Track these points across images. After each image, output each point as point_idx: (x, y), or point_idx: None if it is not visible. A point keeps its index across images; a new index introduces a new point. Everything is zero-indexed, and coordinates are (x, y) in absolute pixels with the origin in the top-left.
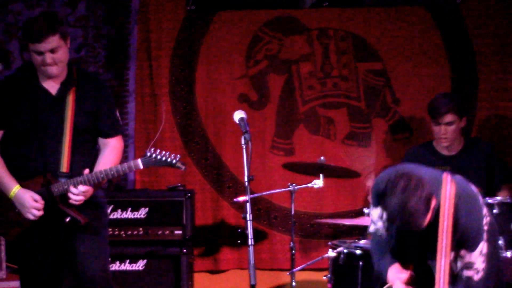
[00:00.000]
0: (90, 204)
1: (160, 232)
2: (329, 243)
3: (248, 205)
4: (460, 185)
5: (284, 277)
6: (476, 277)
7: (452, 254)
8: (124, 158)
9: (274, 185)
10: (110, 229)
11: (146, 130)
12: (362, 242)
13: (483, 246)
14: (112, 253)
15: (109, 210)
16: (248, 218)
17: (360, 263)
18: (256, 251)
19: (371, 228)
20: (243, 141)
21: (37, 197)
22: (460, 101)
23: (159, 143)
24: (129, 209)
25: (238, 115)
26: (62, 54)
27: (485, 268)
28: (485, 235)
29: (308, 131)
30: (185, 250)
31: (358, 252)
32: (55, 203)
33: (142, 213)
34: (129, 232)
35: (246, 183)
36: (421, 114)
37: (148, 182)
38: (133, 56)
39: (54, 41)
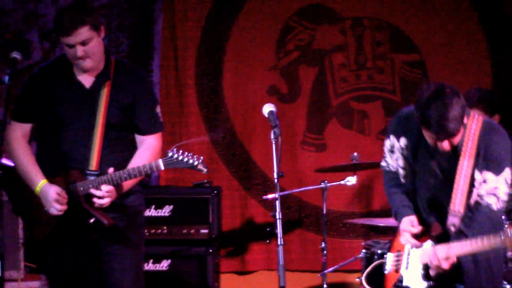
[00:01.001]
0: (124, 212)
1: (185, 231)
2: (362, 243)
3: (277, 203)
4: (486, 118)
5: (315, 279)
6: (496, 206)
7: (475, 177)
8: None
9: (305, 182)
10: None
11: (171, 123)
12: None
13: (508, 174)
14: None
15: None
16: (277, 217)
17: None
18: (286, 252)
19: (382, 162)
20: (272, 136)
21: (62, 192)
22: (492, 97)
23: (185, 138)
24: (153, 206)
25: (268, 108)
26: (95, 46)
27: (504, 200)
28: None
29: (341, 125)
30: (211, 250)
31: None
32: (80, 202)
33: (166, 211)
34: (153, 231)
35: (276, 180)
36: None
37: (173, 179)
38: (158, 46)
39: (84, 33)
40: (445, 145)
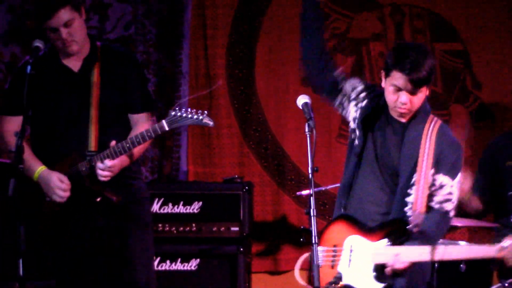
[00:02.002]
0: (130, 199)
1: (215, 229)
2: None
3: (312, 199)
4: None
5: None
6: (452, 213)
7: (433, 181)
8: (177, 146)
9: (341, 178)
10: (160, 225)
11: (205, 126)
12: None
13: (459, 178)
14: (163, 251)
15: (159, 204)
16: (312, 214)
17: (436, 265)
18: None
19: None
20: (307, 129)
21: (63, 177)
22: None
23: (214, 131)
24: (181, 202)
25: (302, 100)
26: (78, 28)
27: (456, 207)
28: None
29: None
30: (242, 249)
31: None
32: (84, 182)
33: (195, 207)
34: (181, 229)
35: (310, 175)
36: (505, 100)
37: (202, 174)
38: (187, 35)
39: (65, 13)
40: (405, 98)
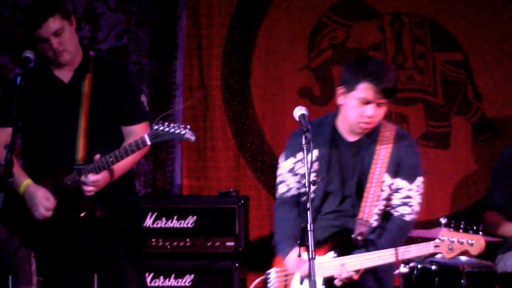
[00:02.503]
0: (120, 213)
1: (209, 244)
2: None
3: (309, 213)
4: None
5: None
6: (409, 217)
7: (387, 186)
8: (171, 159)
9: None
10: (153, 240)
11: (195, 127)
12: (439, 256)
13: (420, 182)
14: (156, 267)
15: (152, 219)
16: (309, 228)
17: (436, 279)
18: None
19: (279, 190)
20: (304, 141)
21: (50, 195)
22: None
23: (209, 143)
24: (175, 217)
25: (299, 111)
26: (69, 36)
27: (417, 211)
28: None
29: None
30: (237, 264)
31: (433, 267)
32: (69, 197)
33: (189, 222)
34: (175, 243)
35: (307, 189)
36: (507, 111)
37: (197, 187)
38: (181, 45)
39: (55, 22)
40: (372, 111)
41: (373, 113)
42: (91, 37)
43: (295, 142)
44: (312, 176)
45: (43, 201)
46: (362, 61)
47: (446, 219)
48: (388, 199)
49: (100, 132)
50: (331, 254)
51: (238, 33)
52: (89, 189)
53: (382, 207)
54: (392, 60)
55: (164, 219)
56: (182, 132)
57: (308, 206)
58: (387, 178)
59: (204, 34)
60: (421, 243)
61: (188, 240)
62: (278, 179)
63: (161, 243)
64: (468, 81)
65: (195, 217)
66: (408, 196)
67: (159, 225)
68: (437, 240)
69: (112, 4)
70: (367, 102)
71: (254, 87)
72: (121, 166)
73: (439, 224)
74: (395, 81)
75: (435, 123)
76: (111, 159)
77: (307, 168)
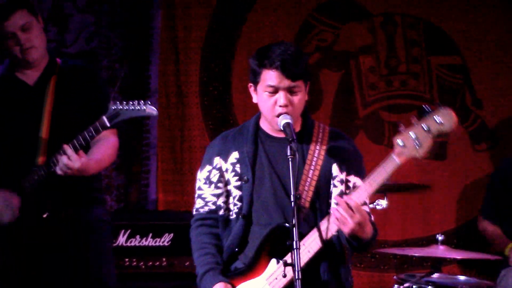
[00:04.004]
0: (86, 227)
1: (187, 264)
2: (395, 277)
3: (294, 230)
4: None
5: None
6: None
7: (339, 182)
8: (145, 172)
9: None
10: (126, 260)
11: (172, 138)
12: (435, 276)
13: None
14: None
15: (125, 237)
16: (294, 246)
17: None
18: None
19: (195, 205)
20: (289, 152)
21: (14, 196)
22: None
23: (187, 154)
24: (150, 235)
25: (283, 120)
26: (37, 34)
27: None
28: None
29: (370, 139)
30: None
31: None
32: (28, 201)
33: (165, 240)
34: (150, 263)
35: (293, 204)
36: (509, 119)
37: (173, 202)
38: (156, 48)
39: (23, 16)
40: (284, 99)
41: (285, 100)
42: (59, 40)
43: (212, 150)
44: (234, 181)
45: (7, 204)
46: (262, 50)
47: (443, 236)
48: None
49: (63, 136)
50: (274, 263)
51: (218, 35)
52: (66, 162)
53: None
54: (384, 65)
55: (138, 237)
56: (142, 108)
57: (294, 222)
58: (336, 171)
59: (181, 37)
60: (381, 164)
61: (164, 259)
62: (196, 195)
63: (135, 263)
64: (466, 87)
65: (171, 235)
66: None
67: (132, 244)
68: (396, 148)
69: (81, 4)
70: (276, 90)
71: (235, 94)
72: (96, 159)
73: (435, 241)
74: (302, 61)
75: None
76: (80, 141)
77: (293, 182)
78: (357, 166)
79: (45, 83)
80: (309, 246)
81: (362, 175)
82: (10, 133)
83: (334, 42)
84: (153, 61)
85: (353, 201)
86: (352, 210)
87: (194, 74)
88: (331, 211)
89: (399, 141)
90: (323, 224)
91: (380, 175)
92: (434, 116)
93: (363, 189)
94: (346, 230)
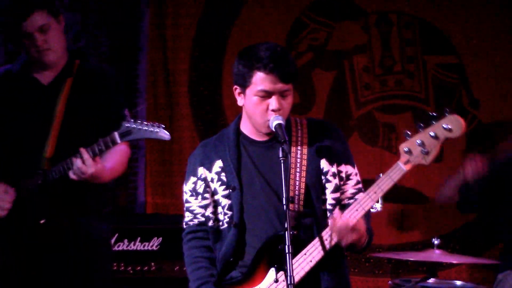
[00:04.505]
0: (86, 240)
1: (177, 268)
2: (390, 282)
3: (287, 233)
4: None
5: None
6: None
7: (331, 176)
8: (133, 174)
9: None
10: (114, 264)
11: (160, 139)
12: (431, 281)
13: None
14: None
15: (113, 241)
16: (287, 251)
17: None
18: None
19: (185, 219)
20: (281, 154)
21: (9, 189)
22: None
23: (176, 156)
24: (138, 239)
25: (275, 121)
26: (55, 35)
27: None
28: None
29: (364, 141)
30: None
31: None
32: (25, 205)
33: (154, 244)
34: (138, 268)
35: (285, 207)
36: (506, 119)
37: (162, 205)
38: (144, 47)
39: (42, 17)
40: (276, 103)
41: (278, 105)
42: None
43: (194, 160)
44: (222, 190)
45: (2, 195)
46: (250, 50)
47: (439, 239)
48: (340, 190)
49: (73, 140)
50: (272, 272)
51: (208, 34)
52: (83, 169)
53: (333, 202)
54: (378, 64)
55: (126, 241)
56: (155, 130)
57: (286, 226)
58: (326, 166)
59: (170, 36)
60: (387, 172)
61: (153, 264)
62: (184, 207)
63: (123, 268)
64: (462, 87)
65: (160, 239)
66: (358, 181)
67: (120, 248)
68: (403, 156)
69: (67, 1)
70: (268, 95)
71: (225, 94)
72: (110, 167)
73: (431, 246)
74: (292, 60)
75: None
76: (99, 148)
77: (285, 185)
78: (344, 153)
79: (60, 84)
80: (311, 255)
81: (351, 161)
82: (19, 132)
83: (327, 41)
84: (141, 60)
85: (350, 220)
86: (350, 228)
87: (183, 73)
88: (329, 224)
89: (405, 148)
90: (326, 233)
91: (386, 183)
92: (441, 122)
93: (368, 197)
94: (342, 244)
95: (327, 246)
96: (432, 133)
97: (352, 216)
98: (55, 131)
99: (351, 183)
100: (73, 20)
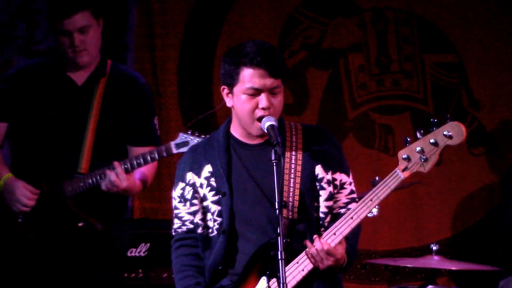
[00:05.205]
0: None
1: (165, 275)
2: None
3: (279, 239)
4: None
5: None
6: None
7: (326, 183)
8: None
9: None
10: None
11: None
12: None
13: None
14: None
15: None
16: (279, 257)
17: None
18: None
19: (173, 226)
20: (273, 157)
21: (29, 186)
22: None
23: (165, 159)
24: None
25: (267, 122)
26: (94, 37)
27: None
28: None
29: (359, 143)
30: None
31: None
32: (66, 204)
33: (142, 250)
34: (126, 275)
35: (277, 211)
36: (507, 121)
37: (150, 210)
38: (131, 46)
39: (84, 17)
40: (266, 101)
41: (267, 103)
42: (27, 37)
43: (183, 166)
44: (211, 196)
45: (23, 190)
46: (235, 48)
47: (437, 245)
48: (334, 198)
49: (107, 144)
50: (263, 281)
51: (198, 31)
52: (114, 180)
53: (326, 210)
54: (375, 63)
55: None
56: None
57: (278, 231)
58: (321, 172)
59: (158, 34)
60: (384, 179)
61: (140, 271)
62: (173, 214)
63: None
64: (462, 87)
65: (148, 245)
66: (352, 190)
67: None
68: (401, 163)
69: None
70: (257, 92)
71: (216, 94)
72: (142, 179)
73: (430, 251)
74: (280, 55)
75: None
76: (126, 166)
77: (277, 189)
78: (339, 161)
79: (93, 84)
80: (303, 265)
81: (346, 169)
82: (51, 132)
83: (322, 39)
84: (128, 59)
85: (326, 245)
86: (325, 253)
87: (172, 73)
88: (307, 247)
89: (404, 155)
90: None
91: (383, 191)
92: (442, 129)
93: (364, 204)
94: (319, 269)
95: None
96: (432, 140)
97: (346, 225)
98: (91, 135)
99: (344, 192)
100: None
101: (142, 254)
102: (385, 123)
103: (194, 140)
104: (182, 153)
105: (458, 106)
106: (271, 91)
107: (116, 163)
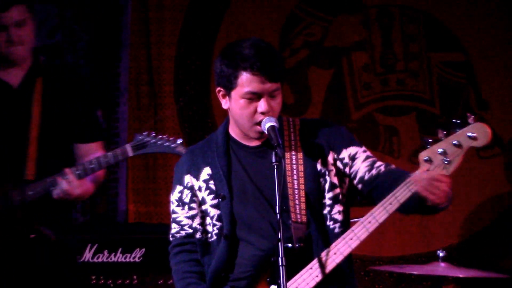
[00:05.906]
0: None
1: (161, 282)
2: None
3: (280, 244)
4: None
5: None
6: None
7: (332, 165)
8: (114, 180)
9: None
10: (93, 277)
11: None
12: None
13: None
14: None
15: (92, 252)
16: (280, 263)
17: None
18: None
19: (171, 231)
20: (274, 159)
21: None
22: None
23: (161, 161)
24: (120, 250)
25: (268, 123)
26: (30, 32)
27: None
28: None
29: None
30: None
31: None
32: (15, 215)
33: (136, 255)
34: (120, 281)
35: (278, 216)
36: None
37: (145, 214)
38: (126, 43)
39: (20, 12)
40: (265, 105)
41: (267, 107)
42: None
43: (180, 168)
44: (210, 199)
45: None
46: (232, 48)
47: (444, 252)
48: (351, 176)
49: (52, 145)
50: None
51: (195, 29)
52: (66, 189)
53: (330, 202)
54: (379, 62)
55: (106, 252)
56: (172, 145)
57: (279, 236)
58: (322, 166)
59: (154, 31)
60: (405, 182)
61: (135, 277)
62: (171, 219)
63: (102, 281)
64: (470, 86)
65: (143, 250)
66: (368, 156)
67: (100, 260)
68: (422, 165)
69: None
70: (257, 97)
71: (214, 94)
72: (94, 180)
73: (436, 258)
74: (279, 56)
75: (431, 137)
76: (78, 172)
77: (278, 192)
78: (342, 140)
79: (30, 84)
80: (317, 271)
81: (352, 142)
82: None
83: (324, 37)
84: (122, 57)
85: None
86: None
87: (168, 71)
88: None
89: (425, 157)
90: (333, 247)
91: (403, 193)
92: (466, 131)
93: (383, 208)
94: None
95: (336, 260)
96: (455, 142)
97: (364, 229)
98: (34, 139)
99: (359, 160)
100: (49, 13)
101: (137, 260)
102: (390, 125)
103: (151, 141)
104: (141, 155)
105: (465, 106)
106: (270, 94)
107: (67, 170)
